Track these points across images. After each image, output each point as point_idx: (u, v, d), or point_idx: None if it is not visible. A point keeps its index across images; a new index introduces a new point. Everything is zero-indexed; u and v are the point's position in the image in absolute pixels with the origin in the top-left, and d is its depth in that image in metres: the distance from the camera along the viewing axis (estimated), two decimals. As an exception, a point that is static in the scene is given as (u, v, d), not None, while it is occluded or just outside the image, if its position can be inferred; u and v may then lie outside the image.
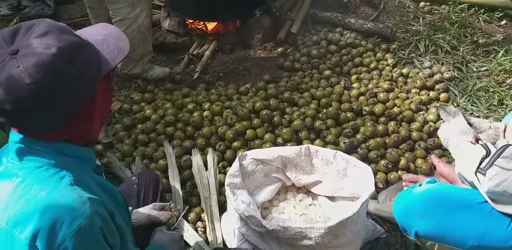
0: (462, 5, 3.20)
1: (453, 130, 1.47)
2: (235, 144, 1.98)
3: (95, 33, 0.94)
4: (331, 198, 1.67)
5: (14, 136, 0.91)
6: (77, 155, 0.94)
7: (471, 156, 1.27)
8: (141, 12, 2.23)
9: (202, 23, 2.76)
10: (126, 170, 1.89)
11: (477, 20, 3.12)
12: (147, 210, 1.36)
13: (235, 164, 1.58)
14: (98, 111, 0.93)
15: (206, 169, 1.85)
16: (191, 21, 2.76)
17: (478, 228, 1.25)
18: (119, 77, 2.51)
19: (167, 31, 2.75)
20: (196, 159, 1.88)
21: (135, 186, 1.51)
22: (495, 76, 2.53)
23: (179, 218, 1.37)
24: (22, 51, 0.80)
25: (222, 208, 1.73)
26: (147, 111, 2.18)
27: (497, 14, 3.17)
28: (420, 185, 1.42)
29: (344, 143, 1.99)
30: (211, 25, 2.77)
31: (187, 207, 1.71)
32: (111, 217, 0.92)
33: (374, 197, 1.82)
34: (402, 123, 2.19)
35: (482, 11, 3.18)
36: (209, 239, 1.61)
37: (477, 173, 1.25)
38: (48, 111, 0.82)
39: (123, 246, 0.98)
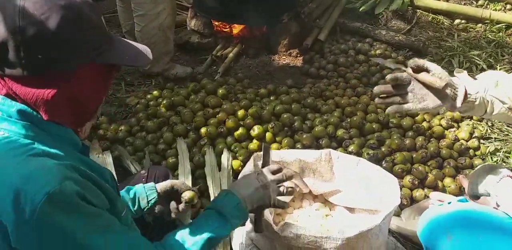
0: (500, 25, 3.08)
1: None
2: (251, 146, 1.88)
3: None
4: (350, 210, 1.54)
5: None
6: (47, 128, 0.83)
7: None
8: (163, 10, 2.20)
9: (227, 25, 2.72)
10: (136, 164, 1.82)
11: (514, 41, 2.99)
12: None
13: (250, 164, 1.47)
14: (69, 92, 0.81)
15: (219, 170, 1.75)
16: (216, 23, 2.73)
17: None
18: (141, 74, 2.48)
19: (192, 31, 2.73)
20: (210, 158, 1.79)
21: (143, 179, 1.44)
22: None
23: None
24: None
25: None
26: (162, 109, 2.11)
27: (537, 36, 3.04)
28: (449, 203, 1.30)
29: (367, 154, 1.87)
30: (236, 29, 2.72)
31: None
32: (93, 182, 0.82)
33: (397, 213, 1.68)
34: (431, 139, 2.06)
35: (520, 32, 3.05)
36: (215, 243, 1.49)
37: None
38: (18, 46, 0.75)
39: (114, 210, 0.88)
